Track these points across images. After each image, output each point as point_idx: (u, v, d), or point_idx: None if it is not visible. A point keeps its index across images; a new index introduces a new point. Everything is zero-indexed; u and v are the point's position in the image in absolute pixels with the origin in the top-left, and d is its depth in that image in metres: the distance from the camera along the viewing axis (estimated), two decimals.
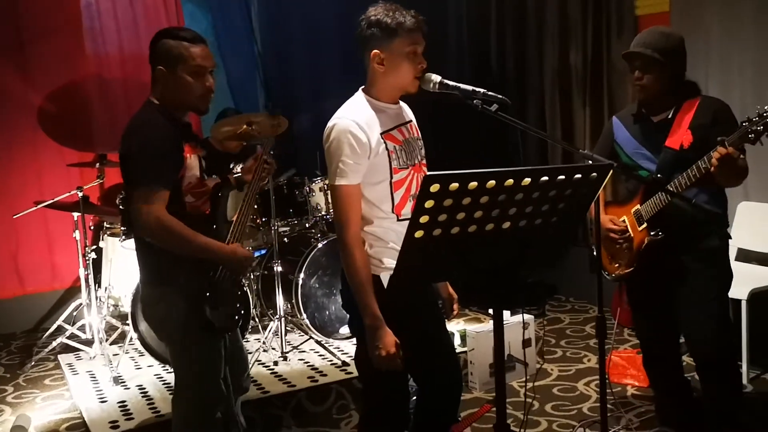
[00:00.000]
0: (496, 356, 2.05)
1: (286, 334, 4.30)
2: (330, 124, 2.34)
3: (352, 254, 2.28)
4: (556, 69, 5.57)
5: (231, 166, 4.67)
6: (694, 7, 4.52)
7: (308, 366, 4.08)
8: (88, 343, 4.56)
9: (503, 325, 2.04)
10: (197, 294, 2.52)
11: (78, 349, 4.57)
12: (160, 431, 3.38)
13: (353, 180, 2.30)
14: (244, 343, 3.00)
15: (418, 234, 1.78)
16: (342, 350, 4.25)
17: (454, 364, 2.62)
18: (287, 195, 4.73)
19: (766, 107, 2.57)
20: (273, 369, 4.05)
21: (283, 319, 4.25)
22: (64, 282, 5.52)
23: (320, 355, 4.24)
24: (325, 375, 3.91)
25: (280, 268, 4.25)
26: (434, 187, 1.69)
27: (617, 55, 5.08)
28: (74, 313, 4.78)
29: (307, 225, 4.76)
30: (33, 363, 4.53)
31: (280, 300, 4.24)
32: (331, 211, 4.06)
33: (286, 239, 4.71)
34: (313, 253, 4.40)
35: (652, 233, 2.94)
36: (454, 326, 4.47)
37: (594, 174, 1.90)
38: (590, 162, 2.29)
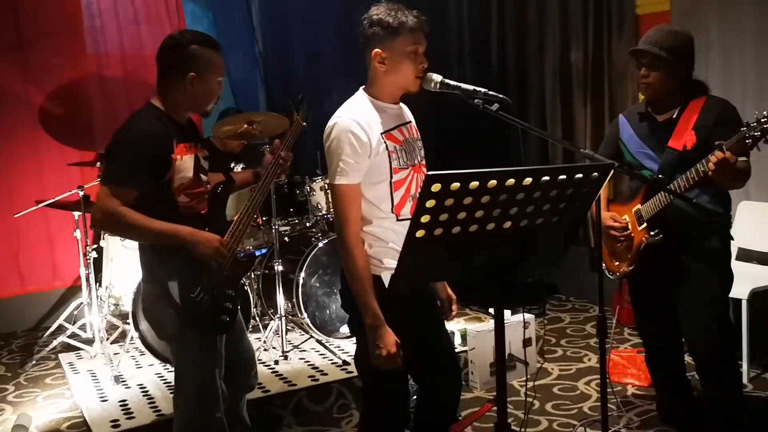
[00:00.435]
0: (497, 355, 2.06)
1: (286, 333, 4.30)
2: (330, 123, 2.34)
3: (352, 253, 2.28)
4: (556, 68, 5.57)
5: (231, 165, 4.68)
6: (694, 7, 4.52)
7: (309, 365, 4.08)
8: (89, 342, 4.56)
9: (504, 325, 2.04)
10: (188, 294, 2.51)
11: (79, 348, 4.57)
12: (161, 430, 3.38)
13: (353, 179, 2.30)
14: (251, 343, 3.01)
15: (420, 233, 1.78)
16: (343, 349, 4.26)
17: (453, 364, 2.62)
18: (288, 194, 4.74)
19: (765, 113, 2.57)
20: (274, 368, 4.05)
21: (283, 318, 4.25)
22: (65, 281, 5.52)
23: (321, 354, 4.24)
24: (326, 374, 3.91)
25: (280, 267, 4.26)
26: (436, 187, 1.69)
27: (618, 54, 5.08)
28: (75, 312, 4.78)
29: (307, 224, 4.76)
30: (34, 362, 4.53)
31: (280, 299, 4.24)
32: (332, 210, 4.07)
33: (286, 238, 4.71)
34: (313, 252, 4.41)
35: (651, 233, 2.94)
36: (454, 325, 4.47)
37: (595, 174, 1.90)
38: (591, 161, 2.29)
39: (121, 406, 3.67)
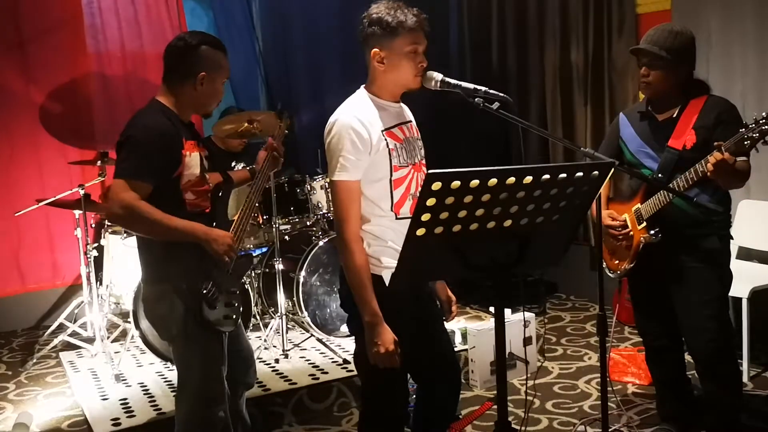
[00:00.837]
0: (498, 354, 2.06)
1: (287, 332, 4.30)
2: (331, 120, 2.34)
3: (351, 250, 2.28)
4: (557, 67, 5.58)
5: (233, 164, 4.69)
6: (695, 5, 4.51)
7: (309, 363, 4.09)
8: (90, 340, 4.56)
9: (504, 323, 2.05)
10: (195, 292, 2.53)
11: (79, 347, 4.57)
12: (162, 429, 3.38)
13: (354, 176, 2.30)
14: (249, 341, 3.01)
15: (420, 232, 1.78)
16: (343, 348, 4.26)
17: (452, 363, 2.62)
18: (288, 193, 4.74)
19: (763, 114, 2.56)
20: (274, 366, 4.06)
21: (284, 316, 4.26)
22: (66, 280, 5.53)
23: (321, 353, 4.25)
24: (326, 372, 3.92)
25: (281, 266, 4.26)
26: (436, 185, 1.69)
27: (618, 53, 5.08)
28: (76, 311, 4.78)
29: (308, 223, 4.77)
30: (35, 360, 4.53)
31: (281, 298, 4.25)
32: (332, 208, 4.07)
33: (287, 237, 4.71)
34: (314, 251, 4.41)
35: (650, 232, 2.94)
36: (455, 324, 4.47)
37: (595, 172, 1.90)
38: (592, 160, 2.29)
39: (121, 404, 3.67)
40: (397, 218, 2.37)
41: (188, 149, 2.56)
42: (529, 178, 1.79)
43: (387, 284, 2.28)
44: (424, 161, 2.50)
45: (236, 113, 4.64)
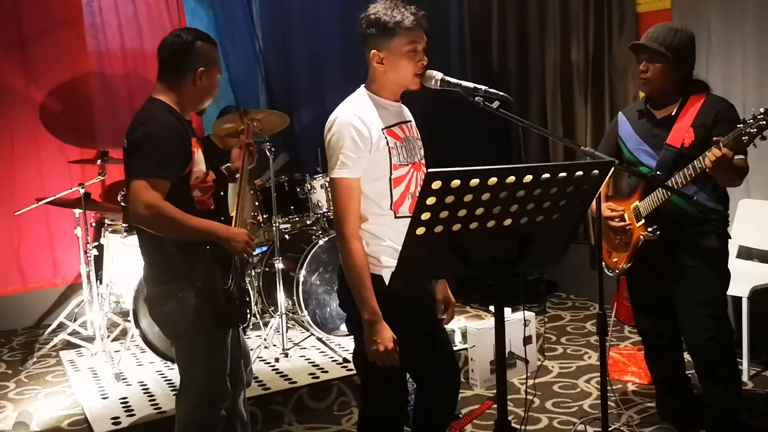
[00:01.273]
0: (497, 353, 2.06)
1: (287, 331, 4.31)
2: (331, 117, 2.34)
3: (350, 248, 2.28)
4: (557, 66, 5.57)
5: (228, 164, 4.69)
6: (695, 5, 4.51)
7: (309, 362, 4.09)
8: (90, 339, 4.57)
9: (504, 322, 2.05)
10: (213, 288, 2.53)
11: (79, 346, 4.57)
12: (162, 428, 3.38)
13: (354, 173, 2.29)
14: (246, 340, 3.01)
15: (420, 231, 1.79)
16: (343, 347, 4.26)
17: (451, 363, 2.63)
18: (288, 192, 4.74)
19: (761, 109, 2.57)
20: (274, 365, 4.06)
21: (284, 315, 4.26)
22: (66, 279, 5.53)
23: (321, 352, 4.25)
24: (326, 371, 3.92)
25: (281, 265, 4.26)
26: (436, 184, 1.69)
27: (618, 52, 5.08)
28: (76, 310, 4.79)
29: (308, 222, 4.77)
30: (35, 359, 4.53)
31: (281, 297, 4.25)
32: (332, 207, 4.07)
33: (287, 236, 4.71)
34: (314, 250, 4.41)
35: (649, 230, 2.94)
36: (455, 323, 4.47)
37: (595, 171, 1.90)
38: (592, 159, 2.29)
39: (121, 403, 3.67)
40: (396, 217, 2.37)
41: (194, 146, 2.58)
42: (529, 177, 1.79)
43: (387, 283, 2.28)
44: (423, 161, 2.50)
45: (235, 112, 4.64)
